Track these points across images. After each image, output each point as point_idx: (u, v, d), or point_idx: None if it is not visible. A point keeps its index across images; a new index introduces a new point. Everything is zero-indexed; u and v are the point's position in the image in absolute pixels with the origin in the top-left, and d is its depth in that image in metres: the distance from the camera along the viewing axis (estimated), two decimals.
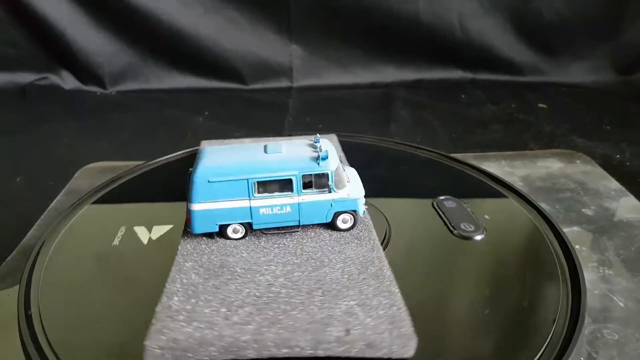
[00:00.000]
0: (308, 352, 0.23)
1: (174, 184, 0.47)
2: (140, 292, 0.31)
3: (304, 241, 0.33)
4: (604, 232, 0.47)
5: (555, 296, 0.31)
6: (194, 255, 0.31)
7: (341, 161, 0.39)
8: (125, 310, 0.30)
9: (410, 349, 0.23)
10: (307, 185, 0.32)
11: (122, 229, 0.38)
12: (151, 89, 0.99)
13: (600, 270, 0.42)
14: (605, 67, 1.03)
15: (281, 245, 0.33)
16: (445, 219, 0.37)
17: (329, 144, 0.34)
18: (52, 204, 0.50)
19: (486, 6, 1.00)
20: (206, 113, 0.88)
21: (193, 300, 0.26)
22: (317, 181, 0.32)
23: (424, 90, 0.98)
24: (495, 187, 0.45)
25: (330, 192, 0.33)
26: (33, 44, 0.98)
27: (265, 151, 0.34)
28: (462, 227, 0.36)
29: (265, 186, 0.32)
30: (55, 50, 0.98)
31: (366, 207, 0.35)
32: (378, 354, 0.23)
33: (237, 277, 0.29)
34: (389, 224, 0.37)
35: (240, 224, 0.33)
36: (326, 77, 1.03)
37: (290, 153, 0.33)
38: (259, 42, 1.00)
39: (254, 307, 0.26)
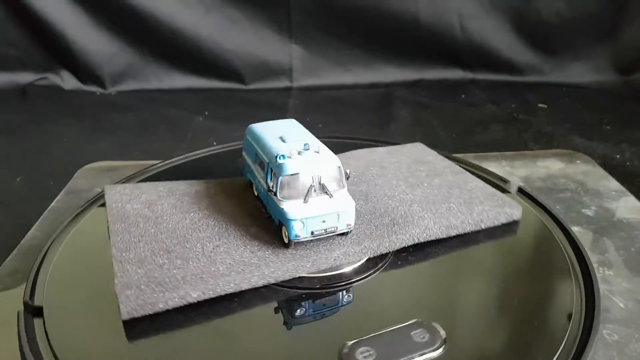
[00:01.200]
0: None
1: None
2: None
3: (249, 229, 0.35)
4: (604, 233, 0.47)
5: (569, 298, 0.31)
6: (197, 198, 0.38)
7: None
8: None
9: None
10: (271, 178, 0.33)
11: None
12: (151, 89, 0.99)
13: (600, 271, 0.42)
14: (605, 67, 1.03)
15: (241, 216, 0.36)
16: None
17: (331, 159, 0.33)
18: (53, 203, 0.50)
19: (486, 6, 0.99)
20: (206, 113, 0.88)
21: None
22: (273, 179, 0.32)
23: (423, 90, 0.98)
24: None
25: (274, 194, 0.32)
26: (33, 44, 0.97)
27: (284, 136, 0.35)
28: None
29: (258, 160, 0.35)
30: (55, 50, 0.98)
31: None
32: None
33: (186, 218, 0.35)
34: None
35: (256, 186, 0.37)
36: (326, 77, 1.03)
37: (287, 144, 0.34)
38: (259, 42, 1.00)
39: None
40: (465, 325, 0.30)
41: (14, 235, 0.45)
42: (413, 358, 0.26)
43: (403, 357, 0.26)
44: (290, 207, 0.31)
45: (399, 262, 0.34)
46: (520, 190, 0.46)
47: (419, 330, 0.28)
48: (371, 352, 0.26)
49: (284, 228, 0.32)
